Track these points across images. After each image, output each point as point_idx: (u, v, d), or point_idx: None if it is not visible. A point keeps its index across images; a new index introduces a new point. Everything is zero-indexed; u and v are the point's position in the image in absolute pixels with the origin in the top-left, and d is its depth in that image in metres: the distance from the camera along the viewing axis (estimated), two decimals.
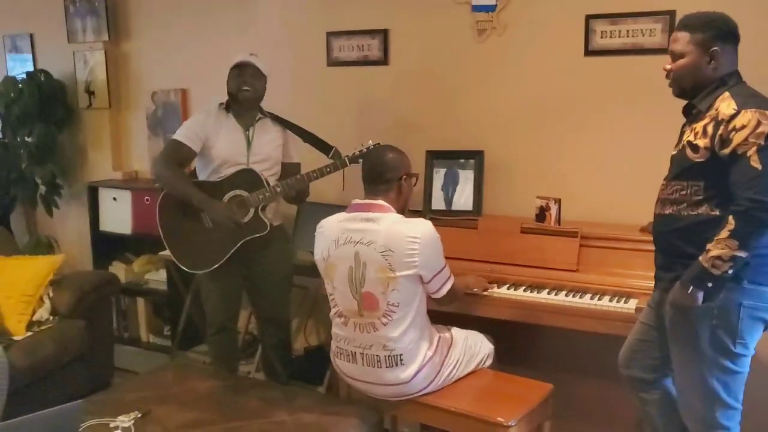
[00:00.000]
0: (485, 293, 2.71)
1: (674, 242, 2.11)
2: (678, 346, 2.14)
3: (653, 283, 2.28)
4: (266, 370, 3.32)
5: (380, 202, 2.35)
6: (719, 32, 2.04)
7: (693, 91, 2.10)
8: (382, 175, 2.38)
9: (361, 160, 2.93)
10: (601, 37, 2.98)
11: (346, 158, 2.98)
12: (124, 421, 2.24)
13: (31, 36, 4.62)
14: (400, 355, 2.30)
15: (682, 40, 2.07)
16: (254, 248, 2.97)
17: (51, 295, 3.28)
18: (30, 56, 4.64)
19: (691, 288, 1.98)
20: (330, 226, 2.40)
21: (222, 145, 2.95)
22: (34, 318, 3.17)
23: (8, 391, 2.71)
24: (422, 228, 2.26)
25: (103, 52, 4.30)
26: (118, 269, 4.19)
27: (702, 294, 1.97)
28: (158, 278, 4.10)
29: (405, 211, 2.48)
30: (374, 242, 2.25)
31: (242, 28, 3.87)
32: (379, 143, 2.98)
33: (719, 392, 2.07)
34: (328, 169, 2.97)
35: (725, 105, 1.97)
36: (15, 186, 4.39)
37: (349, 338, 2.38)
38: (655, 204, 2.21)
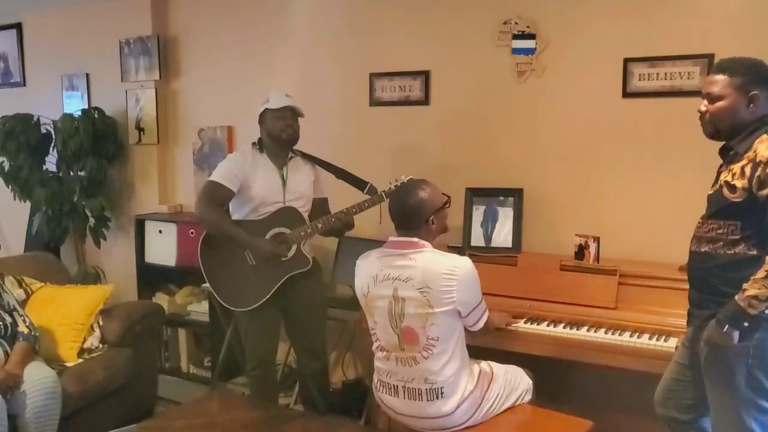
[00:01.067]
0: (511, 327, 2.76)
1: (710, 280, 2.13)
2: (714, 384, 2.14)
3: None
4: (305, 401, 3.37)
5: (415, 239, 2.38)
6: (759, 77, 2.09)
7: (728, 133, 2.13)
8: (408, 219, 2.40)
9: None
10: (639, 80, 3.04)
11: (383, 193, 3.07)
12: None
13: (87, 75, 4.85)
14: (441, 388, 2.33)
15: (721, 83, 2.11)
16: (290, 282, 3.04)
17: (101, 323, 3.38)
18: (84, 94, 4.86)
19: (726, 327, 1.99)
20: (369, 263, 2.45)
21: (259, 185, 3.03)
22: (85, 345, 3.27)
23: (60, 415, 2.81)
24: (459, 264, 2.30)
25: (154, 90, 4.49)
26: (161, 300, 4.28)
27: (738, 333, 1.98)
28: (200, 310, 4.18)
29: (445, 230, 2.51)
30: (412, 279, 2.30)
31: (287, 68, 4.02)
32: (412, 178, 3.05)
33: None
34: (367, 204, 3.06)
35: (764, 147, 2.01)
36: (67, 218, 4.56)
37: (391, 372, 2.42)
38: (691, 241, 2.23)
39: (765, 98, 2.10)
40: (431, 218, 2.41)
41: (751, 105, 2.08)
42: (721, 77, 2.11)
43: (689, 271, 2.25)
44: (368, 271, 2.43)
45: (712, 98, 2.13)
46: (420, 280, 2.29)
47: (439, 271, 2.28)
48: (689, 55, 2.94)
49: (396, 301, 2.33)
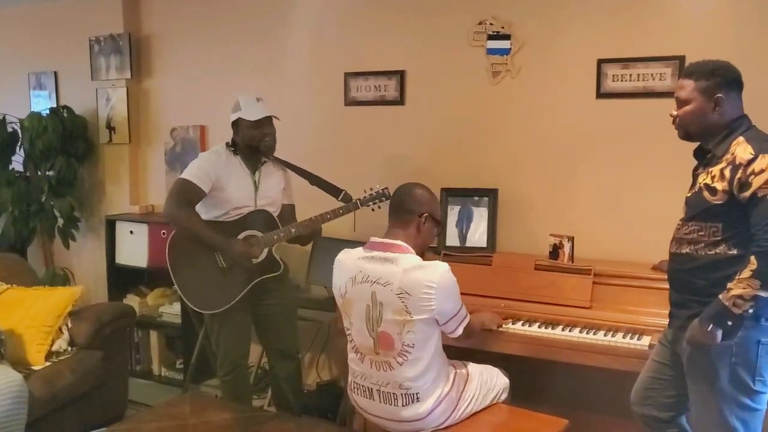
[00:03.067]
0: (500, 329, 2.75)
1: (690, 280, 2.14)
2: (696, 383, 2.16)
3: (667, 320, 2.30)
4: (278, 403, 3.33)
5: (399, 242, 2.34)
6: (723, 80, 2.11)
7: (699, 136, 2.16)
8: (404, 206, 2.39)
9: (374, 201, 3.04)
10: (613, 81, 3.07)
11: (357, 201, 3.04)
12: None
13: (56, 73, 4.76)
14: (417, 393, 2.30)
15: (687, 87, 2.14)
16: (260, 284, 3.01)
17: (69, 325, 3.30)
18: (53, 93, 4.77)
19: (710, 326, 2.00)
20: (348, 262, 2.40)
21: (233, 188, 2.97)
22: (53, 348, 3.19)
23: (27, 420, 2.74)
24: (438, 273, 2.23)
25: (125, 89, 4.42)
26: (132, 302, 4.22)
27: (721, 332, 2.00)
28: (172, 311, 4.14)
29: (423, 253, 2.48)
30: (391, 283, 2.25)
31: (261, 67, 3.99)
32: (387, 188, 3.05)
33: (738, 429, 2.09)
34: (341, 211, 3.03)
35: (741, 149, 2.03)
36: (34, 218, 4.47)
37: (366, 374, 2.39)
38: (671, 243, 2.25)
39: (732, 99, 2.12)
40: (425, 215, 2.38)
41: (717, 107, 2.11)
42: (687, 81, 2.15)
43: (669, 273, 2.26)
44: (347, 271, 2.38)
45: (681, 102, 2.17)
46: (399, 285, 2.24)
47: (418, 279, 2.23)
48: (661, 56, 2.97)
49: (374, 305, 2.29)
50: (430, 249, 2.85)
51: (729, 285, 1.98)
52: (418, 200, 2.40)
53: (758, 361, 2.04)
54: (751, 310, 1.96)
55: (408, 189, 2.44)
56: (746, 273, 1.95)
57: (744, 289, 1.95)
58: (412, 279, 2.23)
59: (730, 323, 1.98)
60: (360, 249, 2.41)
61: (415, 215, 2.38)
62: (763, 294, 1.94)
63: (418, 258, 2.32)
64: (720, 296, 1.99)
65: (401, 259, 2.28)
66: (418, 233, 2.39)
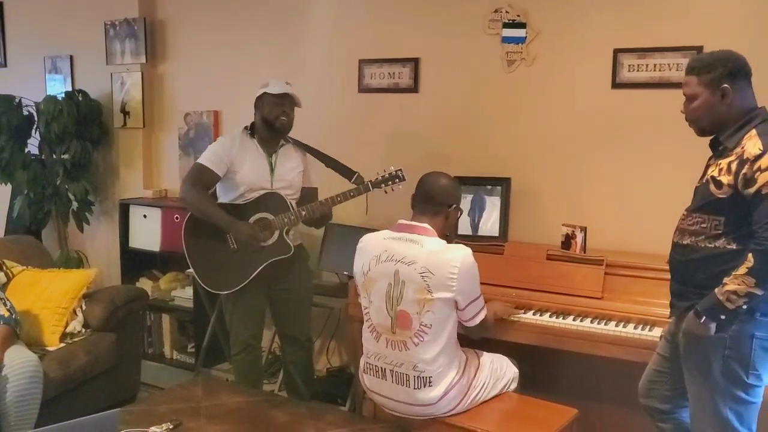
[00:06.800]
0: (511, 318, 2.76)
1: (690, 272, 2.14)
2: (691, 375, 2.16)
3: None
4: (289, 388, 3.36)
5: (425, 225, 2.41)
6: (726, 70, 2.07)
7: (713, 129, 2.14)
8: (435, 198, 2.45)
9: (387, 183, 3.01)
10: (629, 71, 3.04)
11: (369, 183, 3.03)
12: (156, 431, 2.30)
13: (71, 57, 4.78)
14: (430, 377, 2.33)
15: (692, 83, 2.12)
16: (276, 268, 3.03)
17: (84, 308, 3.35)
18: (68, 77, 4.79)
19: (704, 318, 2.01)
20: (373, 242, 2.46)
21: (247, 170, 3.01)
22: (67, 330, 3.23)
23: (41, 400, 2.77)
24: (462, 255, 2.32)
25: (140, 73, 4.43)
26: (144, 285, 4.24)
27: (714, 325, 2.01)
28: (184, 295, 4.16)
29: (452, 241, 2.54)
30: (415, 263, 2.31)
31: (275, 53, 3.99)
32: (401, 169, 3.04)
33: (732, 422, 2.09)
34: (352, 194, 3.02)
35: (751, 144, 2.00)
36: (49, 201, 4.51)
37: (380, 354, 2.42)
38: (674, 233, 2.24)
39: (739, 89, 2.08)
40: (453, 206, 2.49)
41: (724, 98, 2.08)
42: (690, 78, 2.13)
43: (671, 263, 2.26)
44: (372, 251, 2.44)
45: (688, 99, 2.15)
46: (423, 264, 2.30)
47: (443, 260, 2.30)
48: (678, 47, 2.95)
49: (395, 284, 2.34)
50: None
51: (725, 280, 1.98)
52: (449, 192, 2.49)
53: (752, 354, 2.04)
54: (745, 306, 1.96)
55: (437, 181, 2.49)
56: (742, 269, 1.95)
57: (738, 285, 1.94)
58: (437, 259, 2.30)
59: (723, 317, 1.98)
60: (386, 231, 2.49)
61: (444, 206, 2.47)
62: (757, 292, 1.93)
63: (443, 241, 2.40)
64: (715, 290, 1.99)
65: (427, 241, 2.36)
66: (445, 222, 2.50)
